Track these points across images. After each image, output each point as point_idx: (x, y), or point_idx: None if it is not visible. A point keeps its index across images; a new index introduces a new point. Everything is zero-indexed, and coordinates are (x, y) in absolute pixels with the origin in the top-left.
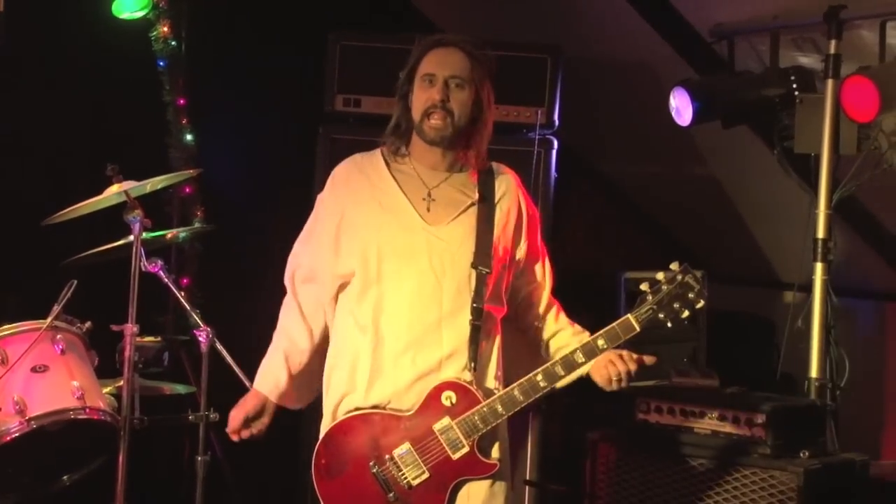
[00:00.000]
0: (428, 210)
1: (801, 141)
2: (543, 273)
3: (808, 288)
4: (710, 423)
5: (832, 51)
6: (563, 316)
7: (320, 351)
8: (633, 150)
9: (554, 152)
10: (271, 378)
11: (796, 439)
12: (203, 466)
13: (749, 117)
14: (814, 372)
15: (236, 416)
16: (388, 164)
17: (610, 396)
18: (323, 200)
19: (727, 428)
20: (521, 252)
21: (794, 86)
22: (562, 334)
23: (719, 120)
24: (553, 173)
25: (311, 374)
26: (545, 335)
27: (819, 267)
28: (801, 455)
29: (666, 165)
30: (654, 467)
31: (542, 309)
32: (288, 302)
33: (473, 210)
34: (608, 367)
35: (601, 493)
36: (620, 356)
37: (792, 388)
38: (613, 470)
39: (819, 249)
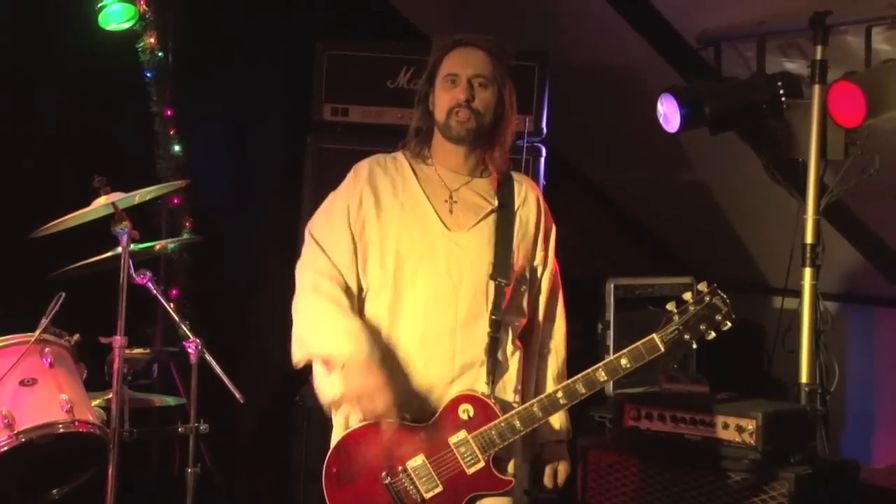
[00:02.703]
0: (451, 212)
1: (789, 146)
2: (544, 291)
3: (797, 293)
4: (700, 430)
5: (818, 56)
6: (551, 362)
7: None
8: (621, 157)
9: (542, 160)
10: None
11: (787, 445)
12: (193, 478)
13: (736, 123)
14: (804, 377)
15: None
16: (411, 166)
17: (600, 403)
18: (342, 194)
19: (717, 434)
20: (536, 261)
21: (781, 91)
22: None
23: (707, 126)
24: (542, 180)
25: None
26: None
27: (808, 272)
28: (792, 461)
29: (654, 171)
30: (645, 474)
31: (538, 332)
32: (314, 301)
33: (493, 217)
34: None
35: (592, 500)
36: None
37: (782, 393)
38: (604, 477)
39: (807, 254)
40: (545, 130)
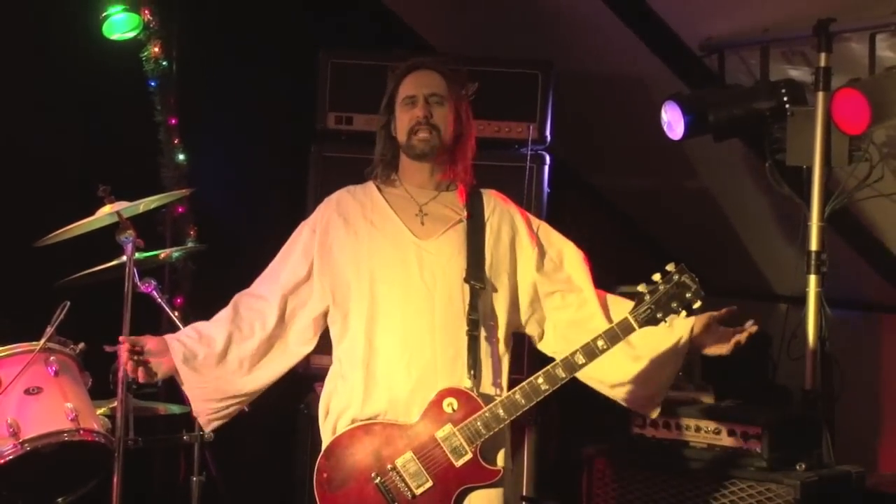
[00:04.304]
0: (422, 224)
1: (793, 153)
2: (574, 274)
3: (801, 300)
4: (705, 437)
5: (822, 63)
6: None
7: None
8: (625, 165)
9: (546, 168)
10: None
11: (792, 452)
12: (198, 486)
13: (740, 130)
14: (809, 384)
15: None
16: (380, 190)
17: (606, 410)
18: (308, 223)
19: (723, 441)
20: (530, 265)
21: (785, 99)
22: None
23: (711, 133)
24: (545, 188)
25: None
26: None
27: (812, 279)
28: (798, 467)
29: (658, 179)
30: (651, 482)
31: (591, 309)
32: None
33: (462, 226)
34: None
35: None
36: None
37: (787, 400)
38: (609, 485)
39: (812, 261)
40: (549, 138)
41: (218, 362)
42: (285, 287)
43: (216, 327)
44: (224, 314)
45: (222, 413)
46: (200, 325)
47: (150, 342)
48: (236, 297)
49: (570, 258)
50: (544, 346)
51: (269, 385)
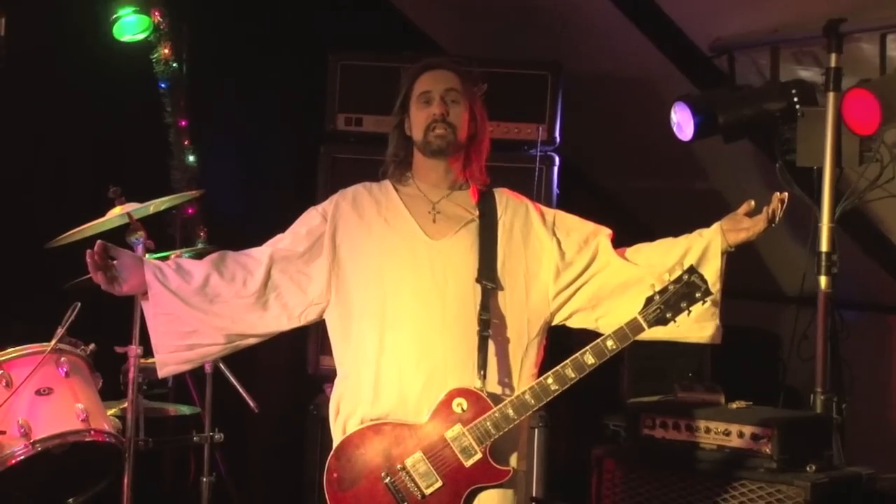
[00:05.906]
0: (434, 222)
1: (803, 154)
2: (600, 253)
3: (812, 301)
4: (715, 438)
5: (833, 64)
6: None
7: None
8: (634, 166)
9: (555, 169)
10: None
11: (803, 453)
12: (208, 487)
13: (750, 131)
14: (819, 385)
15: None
16: (394, 188)
17: (615, 412)
18: (317, 210)
19: (733, 442)
20: (552, 256)
21: (796, 99)
22: (643, 254)
23: (720, 134)
24: (555, 190)
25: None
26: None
27: (823, 280)
28: (808, 469)
29: (667, 180)
30: (660, 483)
31: (616, 262)
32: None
33: (474, 226)
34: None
35: None
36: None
37: (797, 401)
38: (619, 486)
39: (823, 263)
40: (558, 140)
41: (191, 290)
42: (279, 253)
43: (196, 265)
44: (206, 259)
45: (181, 357)
46: (180, 260)
47: (124, 254)
48: (223, 251)
49: (591, 238)
50: (604, 328)
51: (234, 337)
